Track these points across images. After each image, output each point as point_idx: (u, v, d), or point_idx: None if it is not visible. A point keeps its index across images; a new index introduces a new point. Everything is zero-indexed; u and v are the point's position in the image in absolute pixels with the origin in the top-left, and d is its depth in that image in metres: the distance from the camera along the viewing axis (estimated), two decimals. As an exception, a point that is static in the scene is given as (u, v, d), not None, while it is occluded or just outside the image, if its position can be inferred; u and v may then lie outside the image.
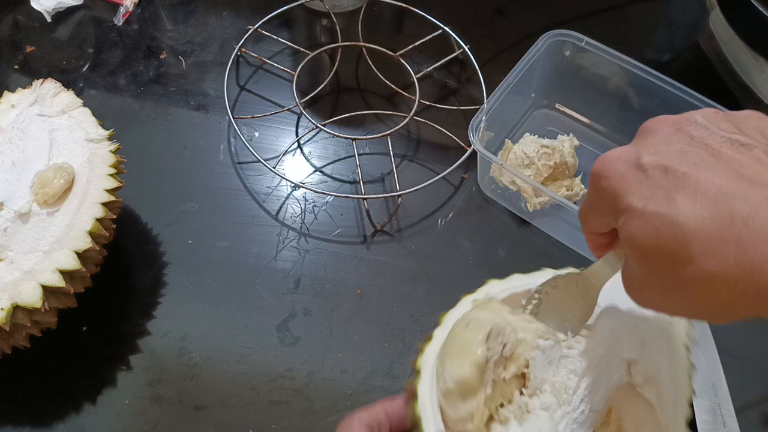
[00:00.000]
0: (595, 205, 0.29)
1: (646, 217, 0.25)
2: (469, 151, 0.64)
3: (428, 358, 0.38)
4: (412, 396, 0.36)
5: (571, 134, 0.66)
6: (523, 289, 0.41)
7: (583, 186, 0.64)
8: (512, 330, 0.37)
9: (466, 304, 0.40)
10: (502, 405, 0.36)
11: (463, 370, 0.34)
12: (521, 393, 0.36)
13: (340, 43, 0.73)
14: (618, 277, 0.39)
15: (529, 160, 0.62)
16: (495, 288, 0.41)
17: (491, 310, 0.37)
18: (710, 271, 0.23)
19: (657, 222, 0.25)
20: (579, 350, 0.37)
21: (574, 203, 0.59)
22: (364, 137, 0.65)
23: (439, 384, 0.36)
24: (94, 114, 0.56)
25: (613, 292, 0.38)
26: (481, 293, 0.40)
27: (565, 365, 0.36)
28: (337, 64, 0.72)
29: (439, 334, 0.39)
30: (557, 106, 0.71)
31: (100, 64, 0.73)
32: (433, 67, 0.73)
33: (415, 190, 0.61)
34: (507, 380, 0.36)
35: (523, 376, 0.37)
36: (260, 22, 0.73)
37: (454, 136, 0.67)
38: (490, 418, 0.36)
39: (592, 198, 0.30)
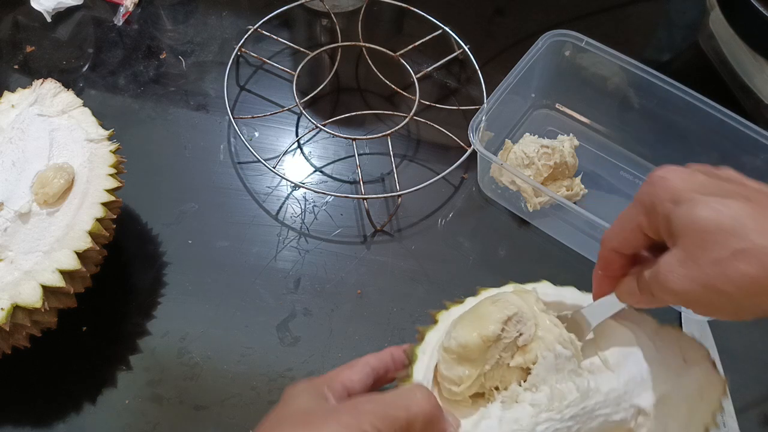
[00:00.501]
0: (647, 205, 0.33)
1: (708, 203, 0.30)
2: (469, 151, 0.64)
3: (450, 316, 0.39)
4: (420, 338, 0.38)
5: (571, 134, 0.66)
6: (572, 303, 0.41)
7: (582, 186, 0.64)
8: (535, 324, 0.37)
9: (508, 286, 0.41)
10: (497, 388, 0.37)
11: (469, 336, 0.35)
12: (519, 384, 0.37)
13: (340, 43, 0.73)
14: (664, 331, 0.39)
15: (529, 160, 0.62)
16: (545, 289, 0.41)
17: (525, 300, 0.38)
18: (761, 244, 0.28)
19: (718, 205, 0.30)
20: (594, 374, 0.37)
21: (574, 203, 0.59)
22: (364, 137, 0.65)
23: (444, 338, 0.37)
24: (94, 114, 0.56)
25: (655, 340, 0.38)
26: (528, 285, 0.41)
27: (573, 379, 0.36)
28: (337, 64, 0.72)
29: (470, 302, 0.40)
30: (557, 106, 0.71)
31: (100, 64, 0.73)
32: (433, 67, 0.73)
33: (415, 190, 0.61)
34: (510, 367, 0.37)
35: (528, 371, 0.37)
36: (260, 22, 0.73)
37: (454, 136, 0.67)
38: (480, 394, 0.37)
39: (643, 199, 0.33)
